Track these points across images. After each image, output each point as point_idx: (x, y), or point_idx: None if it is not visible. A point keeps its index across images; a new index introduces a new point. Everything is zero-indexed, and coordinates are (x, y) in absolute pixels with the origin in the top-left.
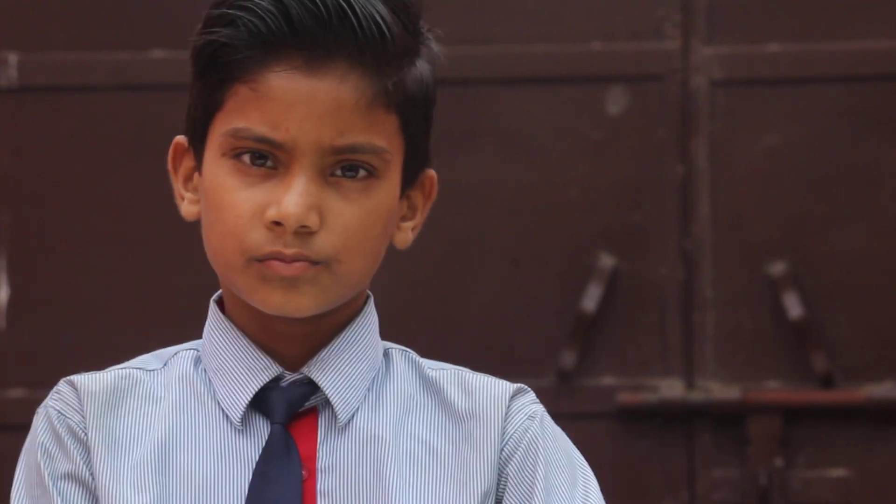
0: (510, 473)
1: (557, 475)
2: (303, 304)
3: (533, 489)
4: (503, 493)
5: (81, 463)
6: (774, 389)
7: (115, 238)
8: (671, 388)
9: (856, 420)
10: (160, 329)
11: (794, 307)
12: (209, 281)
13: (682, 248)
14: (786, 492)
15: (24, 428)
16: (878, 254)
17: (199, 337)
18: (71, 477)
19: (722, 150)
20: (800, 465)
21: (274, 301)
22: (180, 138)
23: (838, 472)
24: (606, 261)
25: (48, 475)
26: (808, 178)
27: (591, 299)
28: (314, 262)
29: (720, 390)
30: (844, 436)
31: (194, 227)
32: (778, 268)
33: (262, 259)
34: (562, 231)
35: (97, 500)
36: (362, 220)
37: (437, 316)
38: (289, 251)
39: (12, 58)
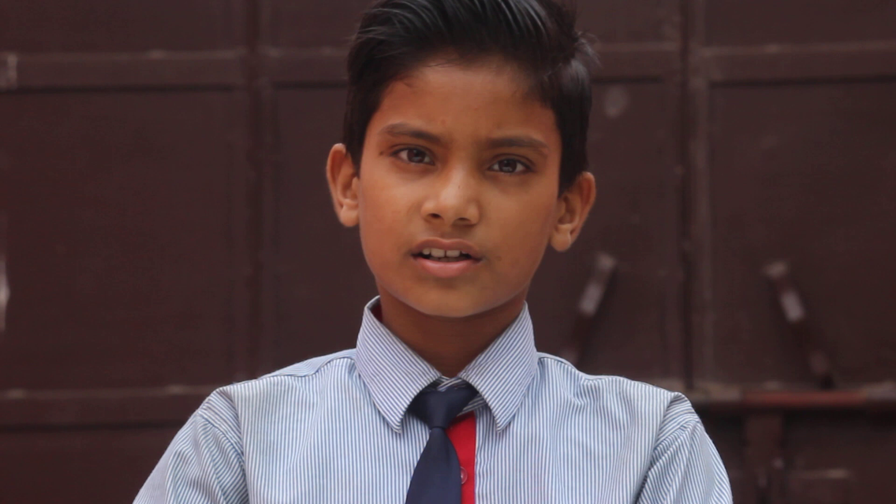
0: (651, 476)
1: (692, 489)
2: (460, 303)
3: (666, 496)
4: (641, 493)
5: (213, 472)
6: (774, 391)
7: (114, 239)
8: (670, 389)
9: (855, 421)
10: (158, 329)
11: (793, 308)
12: (206, 281)
13: (682, 249)
14: (785, 493)
15: (23, 428)
16: (877, 255)
17: (192, 336)
18: (197, 484)
19: (721, 152)
20: (799, 467)
21: (430, 300)
22: (338, 146)
23: (837, 474)
24: (606, 262)
25: (172, 477)
26: (807, 179)
27: (590, 300)
28: (475, 259)
29: (719, 391)
30: (844, 437)
31: (193, 227)
32: (777, 269)
33: (418, 251)
34: None
35: None
36: (521, 215)
37: None
38: (447, 240)
39: (11, 59)
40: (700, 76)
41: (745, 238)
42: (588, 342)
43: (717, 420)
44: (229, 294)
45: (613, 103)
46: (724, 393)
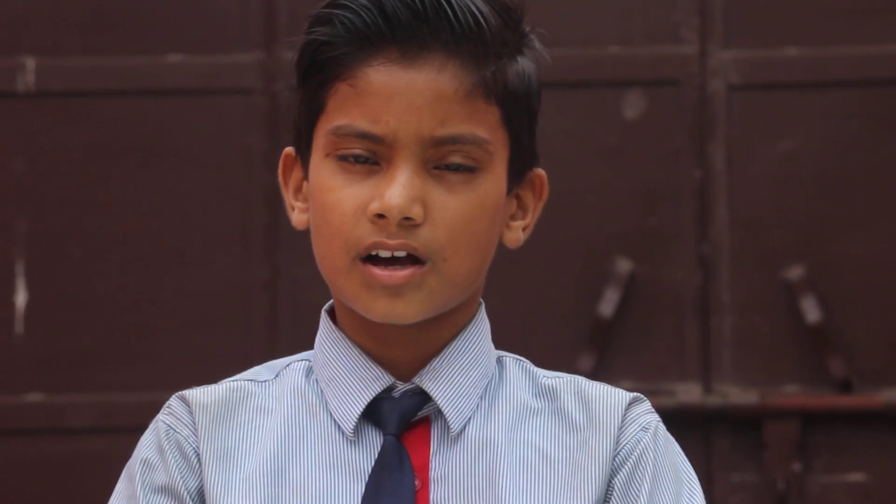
0: (617, 484)
1: (663, 491)
2: (408, 311)
3: (636, 502)
4: (608, 502)
5: (179, 478)
6: (792, 394)
7: (132, 242)
8: (688, 393)
9: (874, 424)
10: (175, 332)
11: (811, 311)
12: (223, 284)
13: (700, 252)
14: (803, 496)
15: (41, 432)
16: None
17: (209, 340)
18: (165, 490)
19: (739, 155)
20: (817, 470)
21: (378, 308)
22: (289, 149)
23: (856, 477)
24: (623, 265)
25: (140, 485)
26: (826, 182)
27: (608, 304)
28: (420, 262)
29: (737, 395)
30: (862, 440)
31: (211, 230)
32: (795, 272)
33: (366, 254)
34: (578, 235)
35: None
36: (468, 213)
37: None
38: (392, 241)
39: (29, 63)
40: (718, 79)
41: (763, 241)
42: (605, 346)
43: (736, 423)
44: (246, 298)
45: (631, 106)
46: (742, 396)
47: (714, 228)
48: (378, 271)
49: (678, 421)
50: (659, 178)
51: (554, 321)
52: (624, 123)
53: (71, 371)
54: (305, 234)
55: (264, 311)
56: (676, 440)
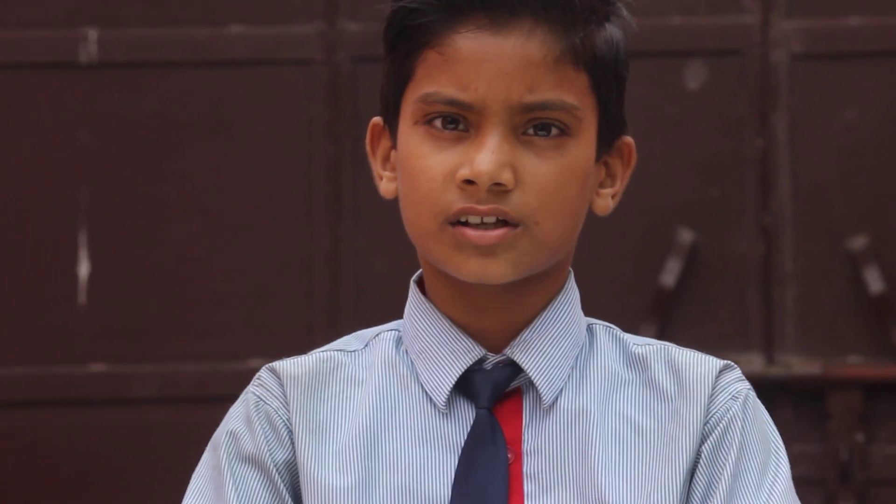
0: (705, 452)
1: (749, 460)
2: (499, 270)
3: (723, 471)
4: (695, 469)
5: (266, 449)
6: (855, 364)
7: (194, 214)
8: (751, 363)
9: None
10: (238, 303)
11: (874, 282)
12: (285, 256)
13: (762, 222)
14: (866, 467)
15: (105, 402)
16: None
17: (272, 311)
18: (251, 460)
19: (801, 125)
20: (881, 440)
21: (470, 268)
22: (377, 119)
23: None
24: (685, 235)
25: (226, 455)
26: (888, 151)
27: (670, 274)
28: (513, 225)
29: (800, 365)
30: None
31: (273, 202)
32: (858, 242)
33: (454, 220)
34: (641, 206)
35: (276, 490)
36: (558, 179)
37: None
38: (483, 206)
39: (92, 34)
40: (780, 49)
41: (826, 211)
42: (668, 316)
43: (798, 394)
44: (308, 268)
45: (693, 77)
46: (805, 367)
47: (776, 198)
48: (470, 231)
49: None
50: (721, 148)
51: (616, 291)
52: (686, 94)
53: (134, 342)
54: (367, 205)
55: (326, 282)
56: None
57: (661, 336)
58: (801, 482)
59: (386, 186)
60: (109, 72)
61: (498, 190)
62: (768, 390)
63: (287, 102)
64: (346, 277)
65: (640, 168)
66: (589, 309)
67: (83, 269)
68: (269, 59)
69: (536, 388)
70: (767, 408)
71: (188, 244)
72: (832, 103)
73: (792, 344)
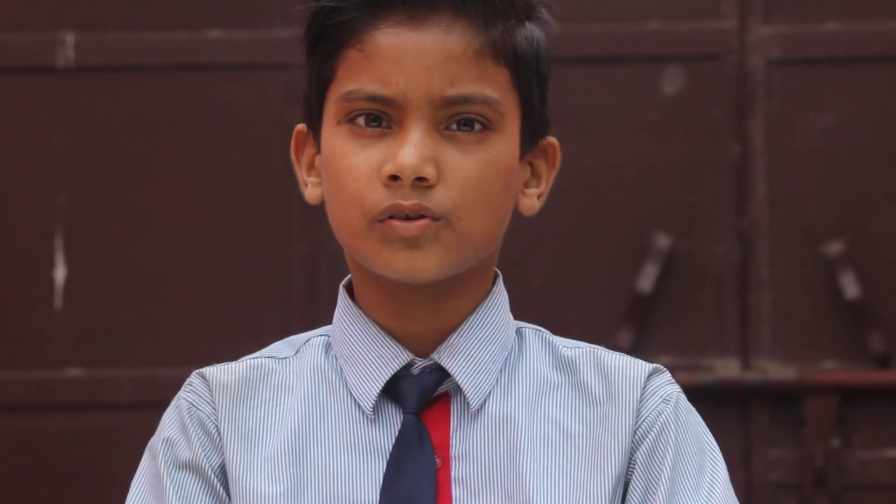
0: (639, 458)
1: (685, 463)
2: (427, 264)
3: (660, 476)
4: (630, 476)
5: (202, 455)
6: (831, 369)
7: (171, 218)
8: (727, 368)
9: None
10: (215, 308)
11: (850, 287)
12: (263, 260)
13: (739, 227)
14: (842, 472)
15: (81, 406)
16: None
17: (249, 315)
18: (189, 467)
19: (778, 130)
20: (856, 446)
21: (397, 263)
22: (300, 126)
23: (895, 453)
24: (662, 240)
25: (164, 462)
26: (865, 157)
27: (646, 279)
28: (435, 219)
29: (776, 370)
30: None
31: (250, 206)
32: (834, 247)
33: (382, 217)
34: (618, 210)
35: (216, 494)
36: (481, 174)
37: None
38: (407, 202)
39: (69, 38)
40: (757, 54)
41: (803, 216)
42: (644, 321)
43: (774, 399)
44: (286, 273)
45: (670, 82)
46: (781, 372)
47: (753, 204)
48: (396, 222)
49: (717, 396)
50: (698, 153)
51: (593, 296)
52: (663, 98)
53: (110, 346)
54: None
55: (303, 286)
56: (715, 416)
57: (637, 341)
58: (777, 487)
59: (311, 192)
60: (87, 76)
61: (421, 186)
62: (744, 395)
63: (265, 107)
64: (323, 282)
65: (617, 173)
66: (566, 314)
67: (59, 273)
68: (247, 64)
69: (463, 393)
70: (743, 413)
71: (165, 248)
72: (809, 109)
73: (768, 349)
